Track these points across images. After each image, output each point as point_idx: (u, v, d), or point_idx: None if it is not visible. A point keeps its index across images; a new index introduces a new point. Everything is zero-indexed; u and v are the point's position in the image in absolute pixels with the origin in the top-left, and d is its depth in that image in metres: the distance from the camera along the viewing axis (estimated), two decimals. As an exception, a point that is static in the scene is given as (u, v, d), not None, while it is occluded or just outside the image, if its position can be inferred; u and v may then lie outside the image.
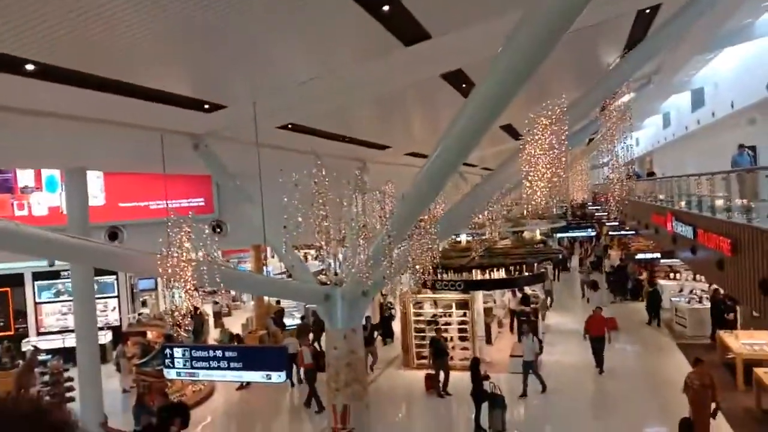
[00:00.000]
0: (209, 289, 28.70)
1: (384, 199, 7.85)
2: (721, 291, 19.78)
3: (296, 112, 9.99)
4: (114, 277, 22.23)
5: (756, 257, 9.94)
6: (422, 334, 17.87)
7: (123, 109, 7.61)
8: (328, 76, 7.73)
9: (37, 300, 21.72)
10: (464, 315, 17.75)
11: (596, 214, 48.15)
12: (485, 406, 13.09)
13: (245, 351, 9.53)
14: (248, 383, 16.73)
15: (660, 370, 16.77)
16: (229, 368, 9.11)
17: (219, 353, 9.20)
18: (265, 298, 22.25)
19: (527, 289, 22.88)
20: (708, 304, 19.45)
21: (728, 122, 23.33)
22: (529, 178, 7.66)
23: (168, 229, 6.81)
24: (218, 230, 14.05)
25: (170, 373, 9.55)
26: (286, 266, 9.75)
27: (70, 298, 21.99)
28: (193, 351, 9.39)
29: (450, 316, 17.96)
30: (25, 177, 14.85)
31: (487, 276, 17.01)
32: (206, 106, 8.19)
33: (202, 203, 14.14)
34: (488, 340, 19.54)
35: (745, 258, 10.46)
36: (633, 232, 28.32)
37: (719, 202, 13.07)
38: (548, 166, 7.56)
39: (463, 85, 10.14)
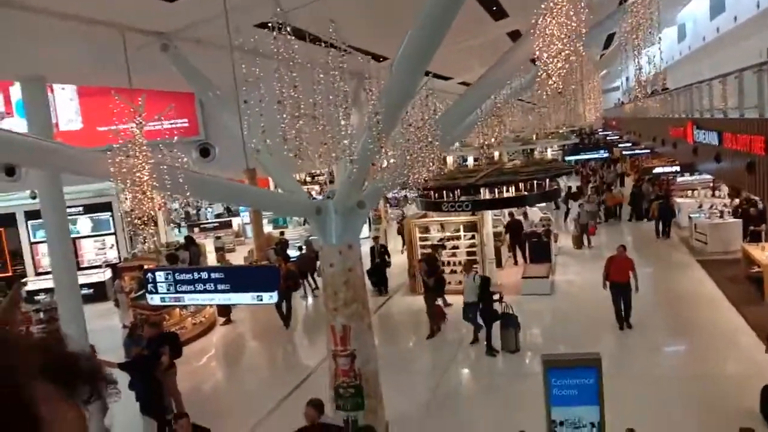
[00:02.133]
0: (211, 224, 28.10)
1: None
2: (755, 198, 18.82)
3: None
4: (109, 213, 21.53)
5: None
6: (429, 259, 17.11)
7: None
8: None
9: (32, 240, 21.14)
10: (473, 238, 16.93)
11: (608, 138, 46.68)
12: (497, 327, 12.47)
13: (233, 271, 8.76)
14: (229, 319, 16.27)
15: (680, 287, 16.02)
16: (216, 290, 8.34)
17: (204, 275, 8.41)
18: (266, 228, 21.52)
19: (538, 211, 22.03)
20: (730, 219, 18.53)
21: (752, 27, 21.69)
22: (544, 57, 6.54)
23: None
24: (206, 155, 13.11)
25: (154, 299, 8.81)
26: (275, 181, 8.81)
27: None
28: (176, 274, 8.61)
29: (458, 239, 17.15)
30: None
31: (496, 195, 16.03)
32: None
33: (186, 125, 13.11)
34: (498, 264, 18.79)
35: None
36: (647, 151, 27.09)
37: (750, 101, 11.94)
38: (565, 41, 6.45)
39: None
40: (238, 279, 8.31)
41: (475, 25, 11.41)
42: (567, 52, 6.43)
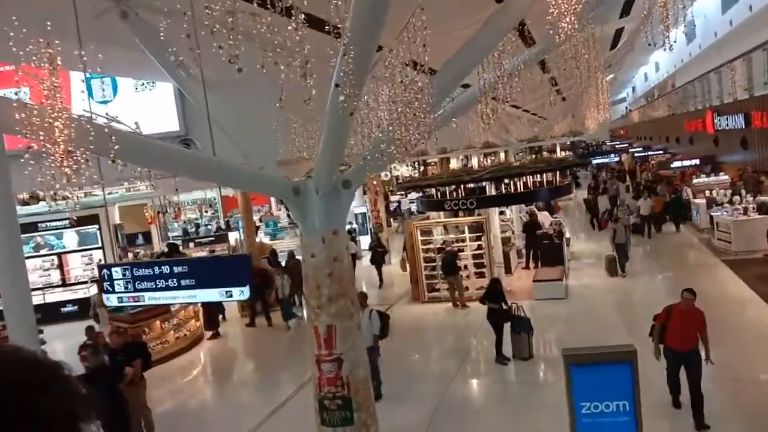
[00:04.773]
0: (207, 239, 27.02)
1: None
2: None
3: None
4: (96, 227, 20.47)
5: None
6: (432, 264, 15.89)
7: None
8: None
9: (16, 255, 20.05)
10: (479, 240, 15.71)
11: (617, 146, 45.45)
12: (507, 331, 11.21)
13: (198, 263, 7.58)
14: (217, 332, 15.15)
15: (710, 289, 14.65)
16: (179, 287, 7.19)
17: (166, 269, 7.26)
18: (257, 237, 20.46)
19: (548, 215, 20.83)
20: (755, 215, 17.21)
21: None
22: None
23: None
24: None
25: (110, 300, 7.66)
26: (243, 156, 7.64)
27: (52, 252, 20.53)
28: (135, 269, 7.47)
29: (463, 241, 15.93)
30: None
31: (503, 191, 14.83)
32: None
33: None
34: (507, 270, 17.54)
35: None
36: (661, 151, 25.86)
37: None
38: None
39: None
40: (205, 273, 7.16)
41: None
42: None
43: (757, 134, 11.45)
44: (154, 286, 7.34)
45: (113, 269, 7.59)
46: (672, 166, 21.63)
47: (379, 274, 18.94)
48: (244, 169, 6.93)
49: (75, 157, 4.61)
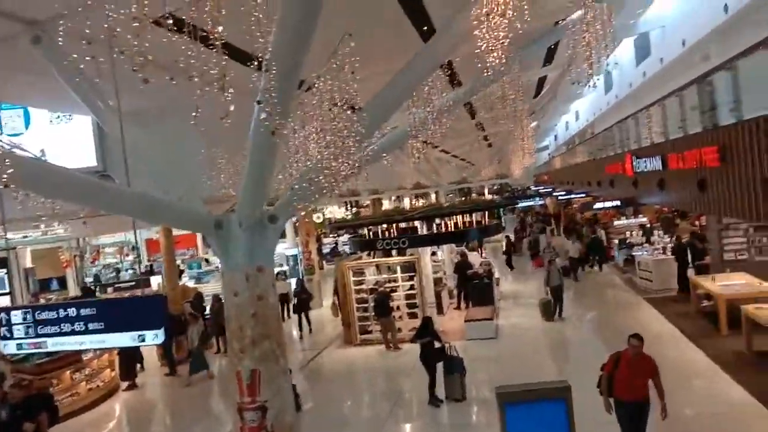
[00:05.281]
0: (127, 283, 25.63)
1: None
2: (685, 237, 18.45)
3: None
4: (4, 271, 18.98)
5: (753, 155, 8.21)
6: (365, 305, 15.57)
7: None
8: None
9: None
10: (411, 279, 15.56)
11: (539, 191, 47.12)
12: (440, 373, 10.99)
13: (107, 305, 6.97)
14: (134, 383, 14.28)
15: (636, 327, 15.00)
16: (86, 331, 6.57)
17: (72, 311, 6.62)
18: (181, 280, 19.54)
19: (477, 255, 21.03)
20: (668, 256, 18.01)
21: (678, 66, 22.11)
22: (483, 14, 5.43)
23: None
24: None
25: (8, 347, 6.91)
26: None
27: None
28: (36, 313, 6.78)
29: (395, 281, 15.73)
30: None
31: (434, 231, 14.83)
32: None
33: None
34: (440, 311, 17.44)
35: (738, 162, 8.75)
36: (583, 194, 26.93)
37: (694, 116, 11.45)
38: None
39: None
40: (115, 315, 6.57)
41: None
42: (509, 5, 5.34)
43: (674, 175, 11.99)
44: (58, 331, 6.69)
45: (12, 312, 6.87)
46: (594, 207, 22.49)
47: (307, 320, 17.69)
48: (161, 201, 6.48)
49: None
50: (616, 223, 25.73)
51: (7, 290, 19.14)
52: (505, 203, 19.22)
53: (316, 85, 5.27)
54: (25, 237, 21.25)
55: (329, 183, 6.15)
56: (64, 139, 11.66)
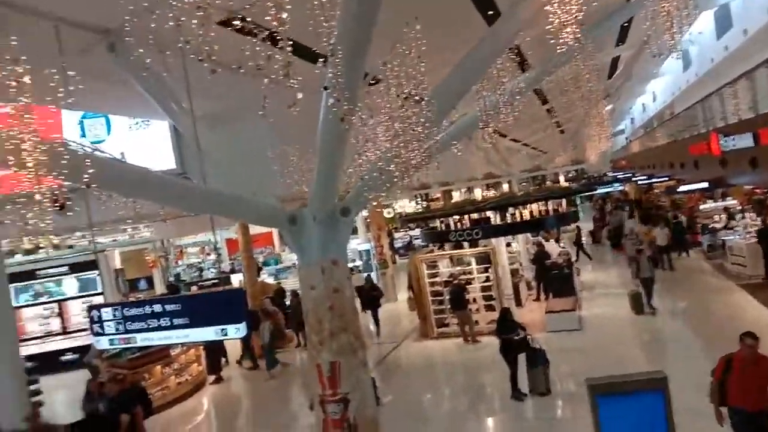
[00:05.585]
0: (210, 281, 26.59)
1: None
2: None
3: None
4: (96, 272, 20.08)
5: None
6: (440, 298, 15.39)
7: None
8: None
9: (15, 304, 19.65)
10: (486, 271, 15.24)
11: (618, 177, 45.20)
12: (523, 365, 10.66)
13: (191, 300, 7.18)
14: (220, 377, 14.68)
15: (722, 311, 14.06)
16: (172, 326, 6.77)
17: (158, 308, 6.85)
18: (259, 277, 20.05)
19: (556, 245, 20.36)
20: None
21: (764, 37, 20.56)
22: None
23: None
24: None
25: (101, 342, 7.24)
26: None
27: (52, 299, 20.11)
28: (125, 309, 7.07)
29: (470, 273, 15.46)
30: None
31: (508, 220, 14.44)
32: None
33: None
34: (518, 302, 16.99)
35: None
36: (666, 177, 25.56)
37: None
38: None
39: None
40: (198, 310, 6.74)
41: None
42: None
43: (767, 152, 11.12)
44: (145, 327, 6.94)
45: (103, 310, 7.20)
46: (679, 191, 21.27)
47: (376, 320, 16.94)
48: (237, 197, 6.57)
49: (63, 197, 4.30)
50: (702, 207, 24.28)
51: (100, 290, 20.24)
52: (582, 189, 18.47)
53: (383, 72, 5.16)
54: (114, 240, 22.48)
55: (400, 172, 6.03)
56: (144, 143, 12.19)
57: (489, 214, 14.78)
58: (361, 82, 5.01)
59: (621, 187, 33.10)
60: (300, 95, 3.53)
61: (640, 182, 30.49)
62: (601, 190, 32.11)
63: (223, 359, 15.52)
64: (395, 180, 6.22)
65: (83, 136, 11.54)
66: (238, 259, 27.60)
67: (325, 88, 4.31)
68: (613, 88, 29.18)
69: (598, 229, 28.68)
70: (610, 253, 24.92)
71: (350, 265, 13.65)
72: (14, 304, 19.72)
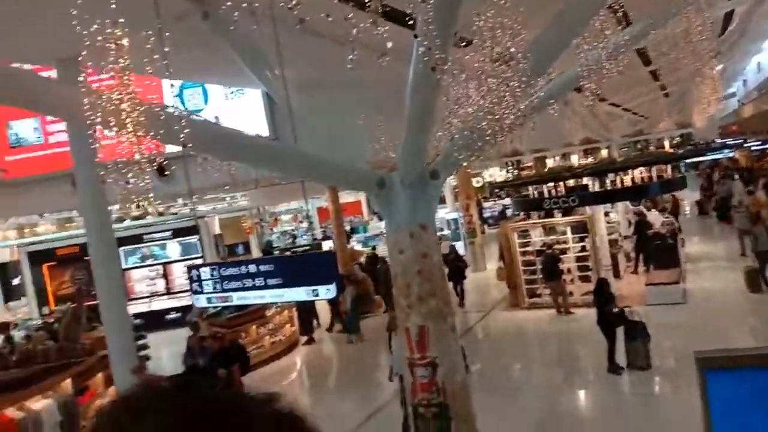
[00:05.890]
0: (301, 248, 27.45)
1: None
2: None
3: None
4: (197, 237, 21.20)
5: None
6: (532, 268, 14.94)
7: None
8: None
9: (124, 266, 21.16)
10: (582, 241, 14.60)
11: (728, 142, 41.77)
12: (620, 338, 10.16)
13: (284, 261, 7.36)
14: (312, 338, 15.04)
15: None
16: (266, 286, 6.96)
17: (253, 268, 7.07)
18: (349, 244, 20.37)
19: (659, 215, 19.16)
20: None
21: None
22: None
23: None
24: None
25: (200, 300, 7.59)
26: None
27: (157, 262, 21.49)
28: (222, 269, 7.35)
29: (565, 243, 14.87)
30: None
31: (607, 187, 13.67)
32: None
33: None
34: (616, 274, 16.19)
35: None
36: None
37: None
38: None
39: None
40: (291, 271, 6.88)
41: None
42: None
43: None
44: (241, 286, 7.18)
45: (201, 269, 7.52)
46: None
47: (460, 292, 16.31)
48: (327, 161, 6.57)
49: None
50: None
51: (200, 254, 21.38)
52: (687, 154, 17.10)
53: (476, 24, 4.88)
54: (213, 208, 23.53)
55: (493, 131, 5.75)
56: (239, 111, 12.53)
57: (586, 180, 14.04)
58: (454, 29, 4.76)
59: (731, 154, 30.55)
60: (389, 44, 3.37)
61: (753, 149, 27.99)
62: (708, 157, 29.80)
63: (315, 321, 15.96)
64: (487, 139, 5.96)
65: (183, 105, 12.02)
66: (328, 226, 28.23)
67: (415, 36, 4.13)
68: (724, 46, 26.76)
69: (705, 199, 26.65)
70: (717, 225, 23.22)
71: (438, 234, 13.50)
72: (123, 266, 21.36)
